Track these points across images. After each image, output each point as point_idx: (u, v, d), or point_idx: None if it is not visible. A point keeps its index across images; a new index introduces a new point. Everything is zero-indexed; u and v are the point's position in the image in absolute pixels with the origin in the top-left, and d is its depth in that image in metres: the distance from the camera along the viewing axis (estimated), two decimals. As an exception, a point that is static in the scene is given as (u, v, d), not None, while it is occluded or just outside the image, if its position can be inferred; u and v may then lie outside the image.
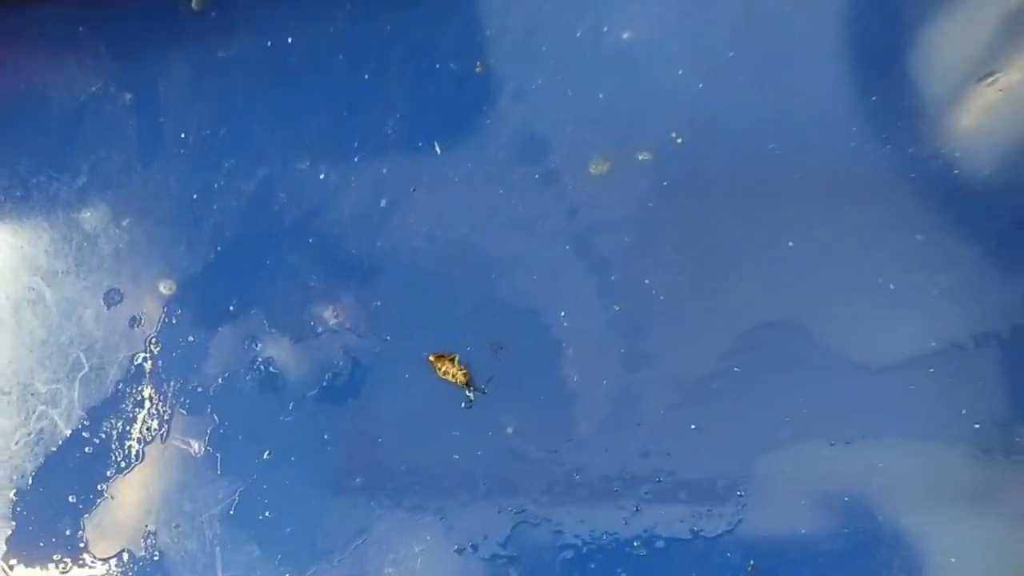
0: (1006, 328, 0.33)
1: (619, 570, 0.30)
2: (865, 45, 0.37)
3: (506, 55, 0.37)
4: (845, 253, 0.34)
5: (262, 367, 0.33)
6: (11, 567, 0.30)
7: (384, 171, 0.35)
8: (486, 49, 0.37)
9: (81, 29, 0.38)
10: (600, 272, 0.34)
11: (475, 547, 0.30)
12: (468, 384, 0.32)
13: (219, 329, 0.34)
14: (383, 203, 0.35)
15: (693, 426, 0.33)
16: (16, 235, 0.34)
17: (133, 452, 0.32)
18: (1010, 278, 0.34)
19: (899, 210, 0.35)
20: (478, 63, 0.37)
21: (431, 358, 0.32)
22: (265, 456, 0.32)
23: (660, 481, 0.32)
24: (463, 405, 0.33)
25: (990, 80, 0.36)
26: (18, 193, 0.35)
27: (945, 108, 0.36)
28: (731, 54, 0.37)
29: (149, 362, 0.33)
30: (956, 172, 0.35)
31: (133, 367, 0.33)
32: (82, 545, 0.31)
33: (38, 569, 0.31)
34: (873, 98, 0.36)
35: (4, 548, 0.31)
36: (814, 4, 0.37)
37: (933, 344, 0.33)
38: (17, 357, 0.33)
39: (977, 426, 0.32)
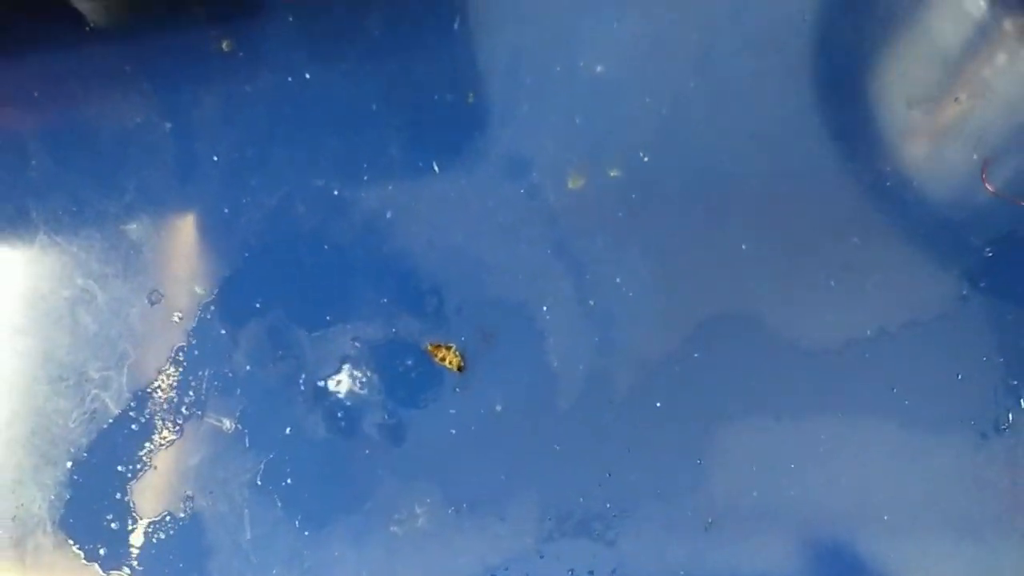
0: (931, 317, 0.37)
1: (594, 525, 0.35)
2: (808, 75, 0.42)
3: (494, 87, 0.41)
4: (791, 254, 0.37)
5: (283, 356, 0.38)
6: (76, 526, 0.34)
7: (389, 187, 0.40)
8: (476, 82, 0.42)
9: (127, 68, 0.43)
10: (577, 272, 0.37)
11: (469, 506, 0.35)
12: (461, 369, 0.37)
13: (246, 324, 0.38)
14: (388, 215, 0.39)
15: (657, 403, 0.36)
16: (71, 243, 0.39)
17: (173, 429, 0.36)
18: (934, 274, 0.38)
19: (838, 217, 0.39)
20: (470, 94, 0.42)
21: (429, 347, 0.37)
22: (287, 432, 0.36)
23: (629, 451, 0.36)
24: (456, 389, 0.37)
25: (917, 105, 0.41)
26: (73, 208, 0.40)
27: (878, 128, 0.41)
28: (691, 84, 0.41)
29: (186, 352, 0.38)
30: (888, 184, 0.39)
31: (172, 356, 0.38)
32: (130, 508, 0.35)
33: (92, 528, 0.35)
34: (816, 120, 0.41)
35: (63, 511, 0.35)
36: (761, 42, 0.42)
37: (868, 332, 0.37)
38: (74, 349, 0.38)
39: (906, 402, 0.36)
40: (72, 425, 0.36)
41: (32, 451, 0.36)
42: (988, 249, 0.37)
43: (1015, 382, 0.35)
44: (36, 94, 0.42)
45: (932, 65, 0.41)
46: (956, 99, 0.40)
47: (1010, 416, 0.35)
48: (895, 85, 0.41)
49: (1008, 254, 0.37)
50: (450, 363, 0.36)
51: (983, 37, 0.42)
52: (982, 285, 0.37)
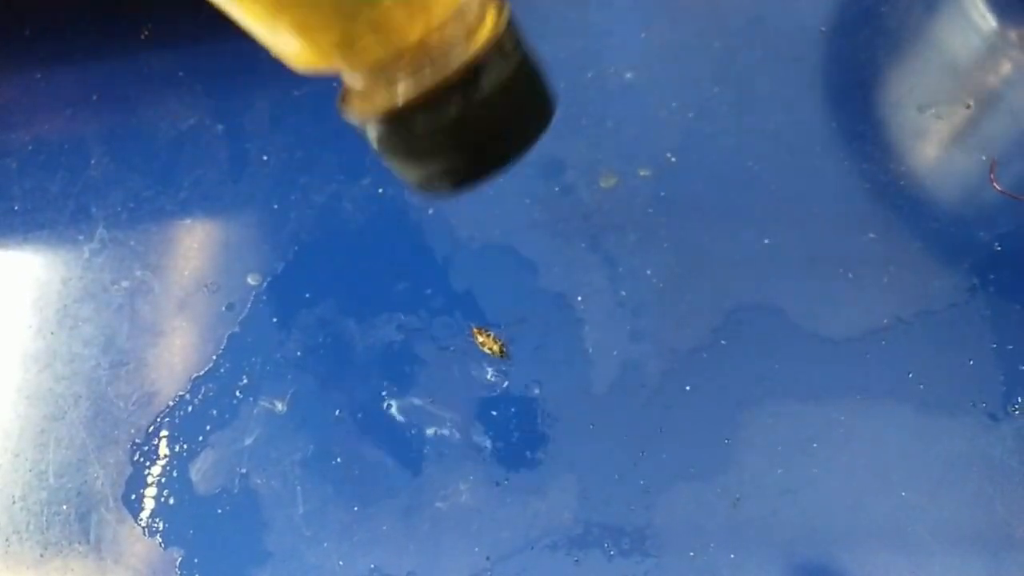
0: (943, 307, 0.39)
1: (628, 500, 0.37)
2: (825, 82, 0.44)
3: None
4: (812, 248, 0.39)
5: (332, 342, 0.40)
6: (137, 501, 0.36)
7: (431, 185, 0.42)
8: (513, 88, 0.44)
9: (181, 74, 0.45)
10: (610, 265, 0.39)
11: (508, 480, 0.37)
12: (502, 354, 0.39)
13: (297, 313, 0.40)
14: (431, 211, 0.42)
15: (687, 387, 0.38)
16: (130, 238, 0.41)
17: (228, 410, 0.38)
18: (945, 267, 0.40)
19: (855, 214, 0.41)
20: (507, 99, 0.44)
21: (474, 330, 0.39)
22: (336, 413, 0.38)
23: (661, 432, 0.38)
24: (497, 372, 0.39)
25: (928, 110, 0.44)
26: (131, 205, 0.42)
27: (892, 132, 0.43)
28: (716, 90, 0.44)
29: (240, 338, 0.40)
30: (901, 183, 0.42)
31: (227, 342, 0.40)
32: (187, 484, 0.37)
33: (154, 502, 0.37)
34: (833, 124, 0.43)
35: (124, 488, 0.37)
36: (780, 51, 0.45)
37: (885, 321, 0.39)
38: (133, 336, 0.39)
39: (921, 387, 0.38)
40: (132, 407, 0.38)
41: (95, 432, 0.38)
42: (996, 244, 0.39)
43: (1022, 368, 0.37)
44: (95, 98, 0.44)
45: (942, 73, 0.43)
46: (966, 105, 0.42)
47: (1019, 399, 0.37)
48: (907, 92, 0.43)
49: (1014, 248, 0.39)
50: (491, 349, 0.38)
51: (990, 47, 0.44)
52: (991, 277, 0.39)
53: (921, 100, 0.42)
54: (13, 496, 0.36)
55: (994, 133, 0.41)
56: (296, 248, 0.40)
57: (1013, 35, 0.43)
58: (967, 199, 0.40)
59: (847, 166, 0.41)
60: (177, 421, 0.37)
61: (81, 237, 0.40)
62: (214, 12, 0.45)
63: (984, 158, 0.40)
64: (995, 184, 0.40)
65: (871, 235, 0.39)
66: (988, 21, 0.43)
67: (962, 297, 0.38)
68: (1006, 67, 0.43)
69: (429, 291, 0.39)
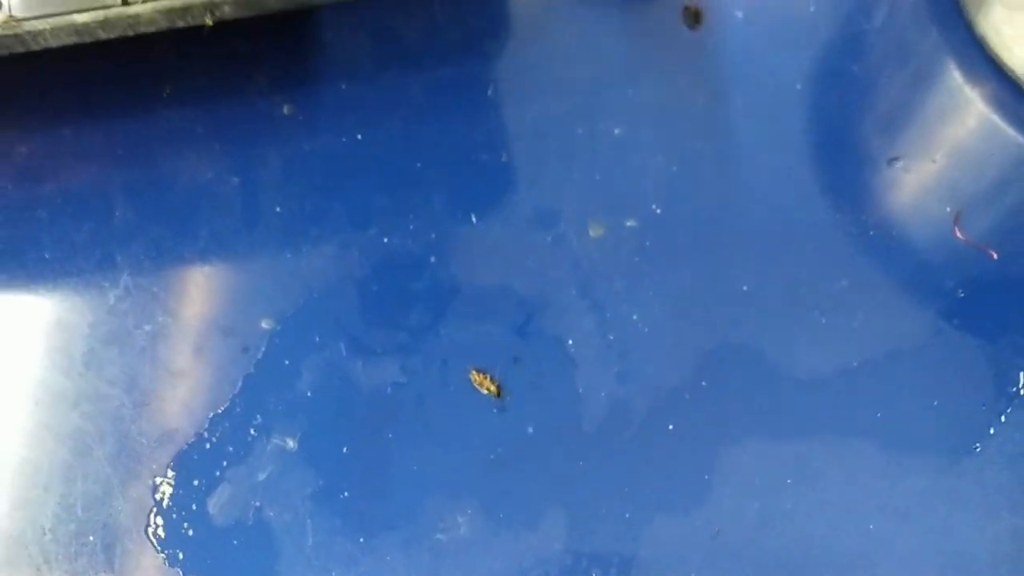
0: (910, 350, 0.42)
1: (615, 533, 0.39)
2: (801, 137, 0.47)
3: (524, 148, 0.45)
4: (788, 294, 0.41)
5: (340, 383, 0.43)
6: (158, 533, 0.39)
7: (433, 236, 0.45)
8: (509, 144, 0.47)
9: (199, 130, 0.48)
10: (599, 310, 0.41)
11: (505, 516, 0.39)
12: (498, 393, 0.42)
13: (307, 356, 0.43)
14: (432, 259, 0.44)
15: (670, 426, 0.41)
16: (152, 284, 0.44)
17: (243, 447, 0.41)
18: (912, 312, 0.43)
19: (829, 262, 0.44)
20: (503, 154, 0.47)
21: (473, 373, 0.42)
22: (344, 450, 0.41)
23: (646, 468, 0.41)
24: (493, 411, 0.42)
25: (896, 162, 0.47)
26: (153, 253, 0.45)
27: (863, 185, 0.46)
28: (698, 145, 0.47)
29: (254, 379, 0.43)
30: (872, 233, 0.45)
31: (242, 383, 0.43)
32: (205, 517, 0.40)
33: (173, 536, 0.40)
34: (808, 178, 0.46)
35: (147, 520, 0.40)
36: (759, 107, 0.48)
37: (855, 363, 0.42)
38: (155, 377, 0.43)
39: (888, 425, 0.41)
40: (154, 444, 0.41)
41: (119, 467, 0.41)
42: (960, 291, 0.42)
43: (983, 407, 0.40)
44: (120, 152, 0.47)
45: (910, 129, 0.47)
46: (932, 159, 0.46)
47: (979, 438, 0.40)
48: (877, 146, 0.46)
49: (977, 296, 0.42)
50: (488, 389, 0.41)
51: (955, 104, 0.47)
52: (955, 322, 0.42)
53: (890, 154, 0.45)
54: (43, 527, 0.39)
55: (959, 186, 0.44)
56: (307, 294, 0.43)
57: (977, 92, 0.46)
58: (933, 248, 0.43)
59: (821, 217, 0.44)
60: (196, 457, 0.40)
61: (107, 284, 0.43)
62: (230, 73, 0.49)
63: (949, 210, 0.43)
64: (959, 234, 0.43)
65: (844, 282, 0.42)
66: (954, 80, 0.47)
67: (928, 340, 0.41)
68: (970, 123, 0.46)
69: (430, 334, 0.42)
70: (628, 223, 0.43)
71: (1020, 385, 0.40)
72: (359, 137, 0.46)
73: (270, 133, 0.46)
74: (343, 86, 0.47)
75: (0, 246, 0.44)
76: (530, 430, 0.39)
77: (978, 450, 0.38)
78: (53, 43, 0.36)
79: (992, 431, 0.39)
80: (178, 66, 0.48)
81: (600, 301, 0.41)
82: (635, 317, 0.41)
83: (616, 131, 0.45)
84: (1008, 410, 0.39)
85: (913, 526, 0.37)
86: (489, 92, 0.47)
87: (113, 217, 0.45)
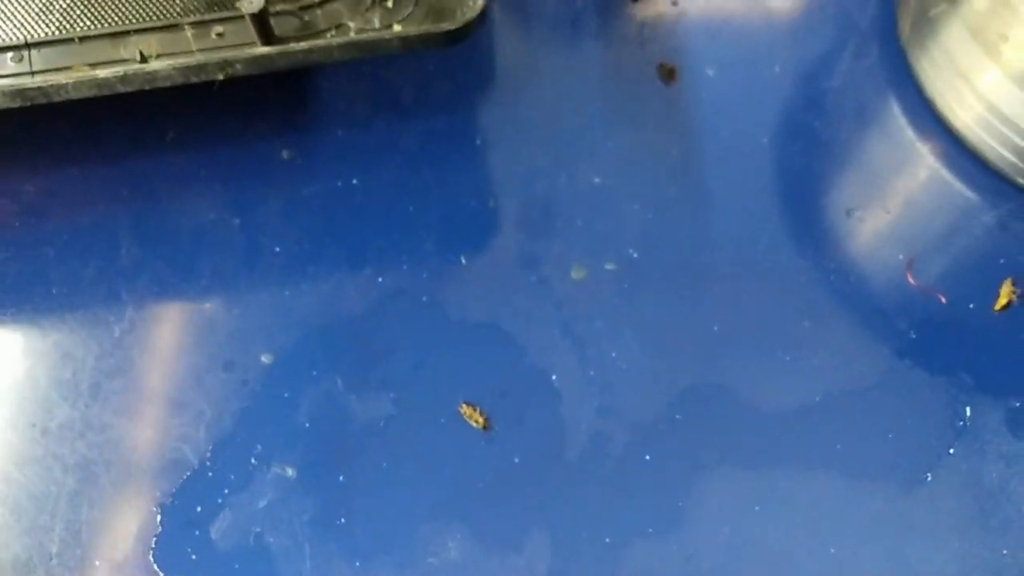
0: (866, 387, 0.46)
1: (596, 555, 0.42)
2: (767, 187, 0.51)
3: (511, 195, 0.49)
4: (755, 334, 0.45)
5: (336, 415, 0.45)
6: (164, 557, 0.41)
7: (424, 276, 0.48)
8: (496, 190, 0.51)
9: (202, 173, 0.51)
10: (580, 348, 0.44)
11: (493, 540, 0.42)
12: (486, 426, 0.45)
13: (305, 389, 0.45)
14: (424, 299, 0.47)
15: (647, 456, 0.44)
16: (156, 319, 0.47)
17: (244, 476, 0.44)
18: (868, 351, 0.47)
19: (793, 304, 0.47)
20: (491, 200, 0.51)
21: (462, 407, 0.45)
22: (341, 479, 0.43)
23: (624, 495, 0.44)
24: (481, 443, 0.45)
25: (853, 212, 0.51)
26: (156, 289, 0.48)
27: (823, 233, 0.50)
28: (672, 192, 0.51)
29: (254, 411, 0.45)
30: (831, 278, 0.48)
31: (242, 414, 0.45)
32: (208, 542, 0.42)
33: (178, 560, 0.42)
34: (774, 225, 0.50)
35: (153, 545, 0.42)
36: (730, 158, 0.52)
37: (817, 398, 0.45)
38: (159, 407, 0.45)
39: (847, 456, 0.45)
40: (158, 473, 0.43)
41: (124, 494, 0.43)
42: (912, 332, 0.46)
43: (933, 440, 0.44)
44: (125, 193, 0.50)
45: (866, 181, 0.51)
46: (886, 210, 0.50)
47: (930, 468, 0.43)
48: (836, 197, 0.50)
49: (928, 336, 0.46)
50: (476, 422, 0.44)
51: (908, 159, 0.52)
52: (907, 361, 0.45)
53: (848, 205, 0.49)
54: (51, 552, 0.41)
55: (911, 235, 0.48)
56: (304, 330, 0.45)
57: (927, 149, 0.51)
58: (887, 292, 0.47)
59: (785, 262, 0.47)
60: (198, 485, 0.42)
61: (112, 318, 0.46)
62: (232, 119, 0.52)
63: (902, 257, 0.47)
64: (911, 279, 0.47)
65: (806, 322, 0.46)
66: (907, 136, 0.51)
67: (883, 378, 0.45)
68: (922, 175, 0.50)
69: (422, 369, 0.45)
70: (608, 266, 0.46)
71: (966, 419, 0.43)
72: (355, 182, 0.49)
73: (270, 176, 0.49)
74: (340, 133, 0.50)
75: (9, 281, 0.46)
76: (516, 460, 0.42)
77: (929, 479, 0.42)
78: (74, 95, 0.38)
79: (941, 461, 0.42)
80: (181, 111, 0.50)
81: (581, 339, 0.44)
82: (614, 355, 0.44)
83: (596, 179, 0.49)
84: (956, 442, 0.43)
85: (870, 549, 0.40)
86: (477, 141, 0.50)
87: (119, 254, 0.47)
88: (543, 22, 0.53)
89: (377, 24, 0.41)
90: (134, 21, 0.41)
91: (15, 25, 0.41)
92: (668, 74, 0.51)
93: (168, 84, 0.39)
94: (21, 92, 0.37)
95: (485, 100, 0.51)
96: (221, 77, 0.39)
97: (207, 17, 0.41)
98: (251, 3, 0.39)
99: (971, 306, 0.45)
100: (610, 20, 0.54)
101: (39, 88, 0.37)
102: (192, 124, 0.49)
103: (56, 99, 0.38)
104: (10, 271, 0.45)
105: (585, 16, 0.53)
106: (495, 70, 0.51)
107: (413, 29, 0.39)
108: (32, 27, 0.41)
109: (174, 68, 0.37)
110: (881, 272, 0.46)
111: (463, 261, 0.45)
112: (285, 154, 0.48)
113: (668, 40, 0.53)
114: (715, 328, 0.44)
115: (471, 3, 0.39)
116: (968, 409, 0.43)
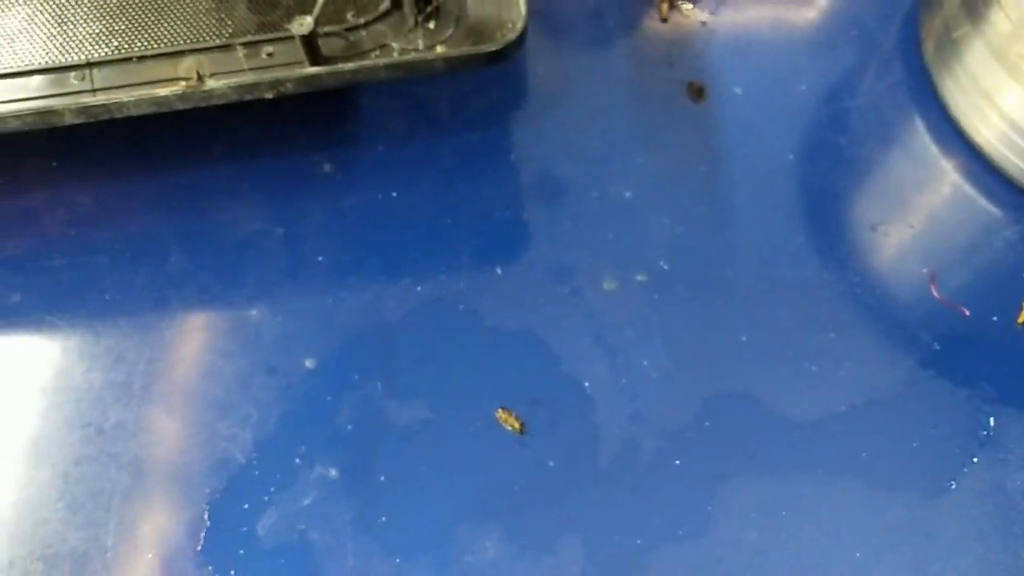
0: (890, 397, 0.47)
1: (627, 557, 0.44)
2: (793, 203, 0.53)
3: (542, 208, 0.50)
4: (781, 345, 0.45)
5: (375, 419, 0.47)
6: (212, 553, 0.43)
7: (461, 286, 0.50)
8: (529, 204, 0.52)
9: (246, 185, 0.53)
10: (611, 356, 0.45)
11: (528, 541, 0.44)
12: (522, 430, 0.46)
13: (346, 393, 0.47)
14: (461, 307, 0.49)
15: (677, 462, 0.46)
16: (203, 325, 0.49)
17: (288, 476, 0.45)
18: (892, 363, 0.48)
19: (818, 316, 0.48)
20: (525, 212, 0.53)
21: (499, 412, 0.46)
22: (381, 479, 0.45)
23: (654, 499, 0.45)
24: (517, 446, 0.46)
25: (879, 228, 0.52)
26: (204, 297, 0.50)
27: (848, 247, 0.52)
28: (700, 208, 0.53)
29: (298, 414, 0.47)
30: (856, 291, 0.50)
31: (287, 417, 0.47)
32: (255, 538, 0.44)
33: (226, 556, 0.44)
34: (799, 239, 0.52)
35: (202, 542, 0.44)
36: (755, 175, 0.53)
37: (842, 407, 0.46)
38: (205, 410, 0.47)
39: (872, 464, 0.46)
40: (206, 471, 0.45)
41: (175, 491, 0.45)
42: (935, 344, 0.47)
43: (957, 449, 0.45)
44: (174, 203, 0.52)
45: (891, 197, 0.52)
46: (910, 225, 0.51)
47: (953, 476, 0.45)
48: (861, 212, 0.52)
49: (950, 349, 0.48)
50: (512, 426, 0.45)
51: (931, 175, 0.53)
52: (930, 372, 0.47)
53: (873, 220, 0.50)
54: (106, 546, 0.43)
55: (934, 249, 0.49)
56: (345, 337, 0.47)
57: (951, 165, 0.52)
58: (911, 305, 0.48)
59: (811, 275, 0.49)
60: (245, 484, 0.44)
61: (162, 323, 0.48)
62: (276, 133, 0.54)
63: (925, 270, 0.49)
64: (935, 292, 0.48)
65: (831, 334, 0.47)
66: (931, 153, 0.52)
67: (907, 388, 0.46)
68: (945, 192, 0.52)
69: (458, 375, 0.46)
70: (638, 278, 0.48)
71: (990, 429, 0.45)
72: (394, 195, 0.50)
73: (312, 189, 0.51)
74: (380, 148, 0.52)
75: (64, 288, 0.49)
76: (550, 464, 0.43)
77: (953, 487, 0.43)
78: (134, 112, 0.41)
79: (965, 470, 0.43)
80: (228, 126, 0.53)
81: (613, 348, 0.46)
82: (645, 363, 0.46)
83: (627, 194, 0.51)
84: (979, 452, 0.44)
85: (894, 555, 0.42)
86: (511, 156, 0.52)
87: (168, 263, 0.49)
88: (575, 41, 0.55)
89: (420, 45, 0.43)
90: (189, 42, 0.43)
91: (78, 46, 0.43)
92: (697, 92, 0.53)
93: (223, 102, 0.41)
94: (87, 110, 0.39)
95: (519, 116, 0.53)
96: (271, 96, 0.41)
97: (258, 38, 0.43)
98: (301, 25, 0.41)
99: (994, 319, 0.46)
100: (640, 39, 0.56)
101: (103, 106, 0.39)
102: (238, 138, 0.52)
103: (117, 116, 0.40)
104: (66, 278, 0.48)
105: (616, 35, 0.55)
106: (528, 88, 0.53)
107: (455, 51, 0.41)
108: (94, 48, 0.44)
109: (228, 87, 0.39)
110: (905, 285, 0.47)
111: (499, 272, 0.47)
112: (327, 167, 0.51)
113: (697, 59, 0.55)
114: (743, 338, 0.46)
115: (511, 25, 0.41)
116: (991, 419, 0.44)
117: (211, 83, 0.39)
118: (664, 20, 0.56)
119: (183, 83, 0.39)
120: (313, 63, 0.42)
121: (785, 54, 0.54)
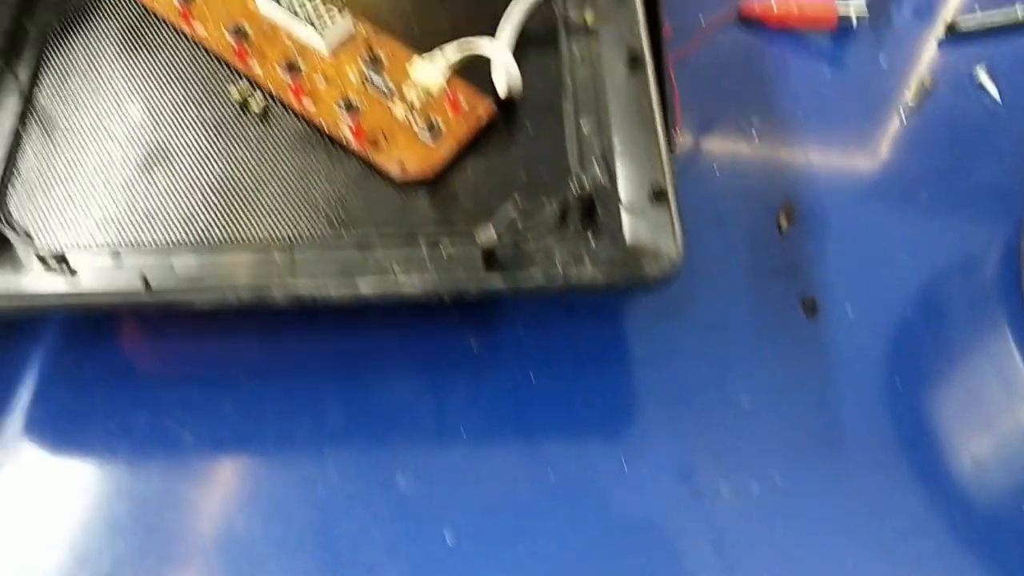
0: None
1: None
2: (897, 426, 0.56)
3: (663, 405, 0.55)
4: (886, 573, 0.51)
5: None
6: None
7: (588, 474, 0.54)
8: (653, 400, 0.56)
9: (400, 353, 0.58)
10: (728, 570, 0.52)
11: None
12: None
13: (487, 570, 0.50)
14: (588, 501, 0.53)
15: None
16: (353, 480, 0.53)
17: None
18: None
19: (927, 549, 0.52)
20: (650, 409, 0.56)
21: None
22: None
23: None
24: None
25: (971, 454, 0.54)
26: (357, 456, 0.53)
27: (948, 475, 0.55)
28: (814, 423, 0.56)
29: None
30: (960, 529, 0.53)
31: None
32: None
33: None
34: (903, 465, 0.55)
35: None
36: (865, 396, 0.57)
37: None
38: (349, 573, 0.51)
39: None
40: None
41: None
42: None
43: None
44: (333, 365, 0.56)
45: (991, 432, 0.55)
46: (1009, 469, 0.54)
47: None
48: (958, 442, 0.55)
49: None
50: None
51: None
52: None
53: (970, 449, 0.53)
54: None
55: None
56: (485, 512, 0.51)
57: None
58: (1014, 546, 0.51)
59: (914, 504, 0.52)
60: None
61: (317, 475, 0.52)
62: (430, 309, 0.58)
63: None
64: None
65: (937, 564, 0.50)
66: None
67: None
68: None
69: (581, 567, 0.49)
70: (753, 487, 0.51)
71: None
72: (532, 377, 0.55)
73: (459, 363, 0.55)
74: (520, 332, 0.57)
75: (229, 435, 0.53)
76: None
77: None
78: (336, 303, 0.46)
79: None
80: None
81: (730, 560, 0.49)
82: (763, 577, 0.48)
83: (743, 401, 0.54)
84: None
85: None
86: (637, 353, 0.56)
87: (325, 420, 0.53)
88: (699, 254, 0.59)
89: (585, 260, 0.47)
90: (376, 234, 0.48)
91: (286, 224, 0.49)
92: (810, 308, 0.57)
93: (411, 303, 0.46)
94: (297, 298, 0.44)
95: (647, 318, 0.57)
96: (450, 301, 0.45)
97: (437, 236, 0.48)
98: (487, 239, 0.46)
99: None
100: (759, 250, 0.60)
101: (300, 297, 0.44)
102: (396, 312, 0.56)
103: (318, 305, 0.45)
104: (232, 425, 0.52)
105: (738, 248, 0.60)
106: (655, 295, 0.57)
107: (618, 273, 0.46)
108: (297, 227, 0.49)
109: (425, 291, 0.44)
110: (1006, 522, 0.50)
111: (625, 469, 0.51)
112: (474, 345, 0.55)
113: (811, 274, 0.59)
114: (849, 563, 0.48)
115: (668, 258, 0.45)
116: None
117: (407, 288, 0.44)
118: (781, 233, 0.60)
119: (380, 277, 0.44)
120: (487, 269, 0.47)
121: (894, 276, 0.59)
